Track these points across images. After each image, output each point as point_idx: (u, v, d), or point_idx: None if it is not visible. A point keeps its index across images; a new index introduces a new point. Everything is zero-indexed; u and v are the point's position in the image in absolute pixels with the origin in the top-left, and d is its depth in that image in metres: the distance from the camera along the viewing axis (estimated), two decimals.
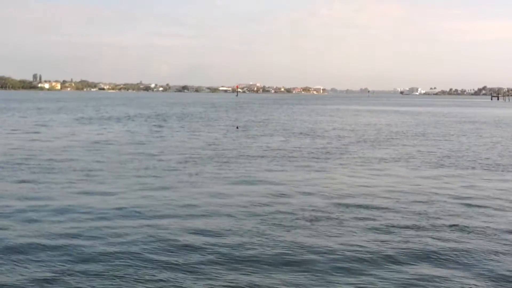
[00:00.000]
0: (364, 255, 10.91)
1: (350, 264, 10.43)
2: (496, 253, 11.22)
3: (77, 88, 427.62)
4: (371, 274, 9.95)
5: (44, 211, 14.25)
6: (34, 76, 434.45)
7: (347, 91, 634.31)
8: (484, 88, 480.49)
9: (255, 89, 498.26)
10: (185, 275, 9.77)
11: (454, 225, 13.36)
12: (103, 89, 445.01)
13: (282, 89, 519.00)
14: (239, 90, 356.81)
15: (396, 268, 10.31)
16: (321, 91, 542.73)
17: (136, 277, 9.65)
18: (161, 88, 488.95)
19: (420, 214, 14.52)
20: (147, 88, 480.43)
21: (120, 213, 14.08)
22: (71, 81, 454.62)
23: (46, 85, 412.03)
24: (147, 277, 9.64)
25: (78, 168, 21.53)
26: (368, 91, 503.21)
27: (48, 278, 9.52)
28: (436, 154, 28.51)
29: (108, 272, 9.81)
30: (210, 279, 9.64)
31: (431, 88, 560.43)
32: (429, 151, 29.95)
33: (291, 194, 16.95)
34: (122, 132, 40.43)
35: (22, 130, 41.23)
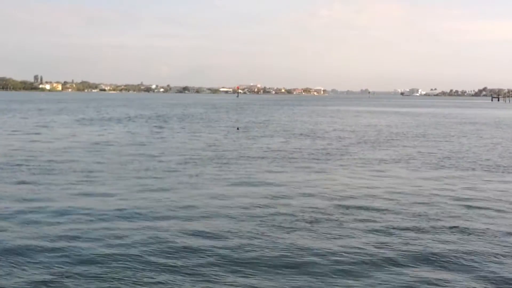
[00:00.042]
0: (364, 257, 10.86)
1: (350, 267, 10.39)
2: (497, 255, 11.17)
3: (78, 89, 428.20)
4: (371, 277, 9.91)
5: (43, 212, 14.22)
6: (35, 77, 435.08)
7: (347, 92, 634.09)
8: (484, 89, 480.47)
9: (256, 90, 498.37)
10: (184, 278, 9.74)
11: (454, 226, 13.32)
12: (104, 90, 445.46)
13: (283, 90, 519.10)
14: (239, 91, 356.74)
15: (396, 270, 10.27)
16: (322, 92, 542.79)
17: (134, 279, 9.61)
18: (162, 89, 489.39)
19: (420, 215, 14.48)
20: (148, 89, 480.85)
21: (120, 215, 14.05)
22: (72, 82, 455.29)
23: (47, 86, 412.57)
24: (145, 280, 9.60)
25: (78, 169, 21.51)
26: (369, 92, 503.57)
27: (46, 280, 9.48)
28: (436, 155, 28.46)
29: (106, 274, 9.78)
30: (209, 281, 9.60)
31: (431, 89, 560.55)
32: (430, 152, 29.91)
33: (291, 196, 16.91)
34: (123, 133, 40.42)
35: (23, 131, 41.23)
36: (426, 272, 10.17)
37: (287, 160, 25.65)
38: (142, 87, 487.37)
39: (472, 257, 11.00)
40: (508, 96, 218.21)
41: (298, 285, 9.52)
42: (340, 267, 10.33)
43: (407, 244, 11.80)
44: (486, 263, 10.71)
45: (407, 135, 42.40)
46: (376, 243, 11.83)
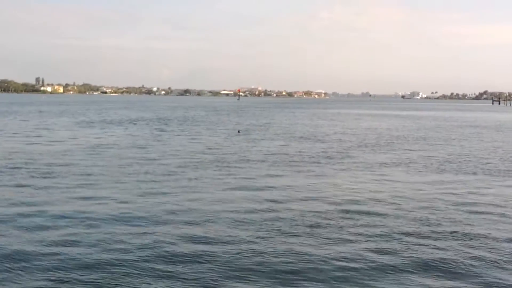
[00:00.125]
0: (365, 264, 10.76)
1: (351, 273, 10.28)
2: (498, 261, 11.07)
3: (80, 92, 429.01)
4: (371, 284, 9.81)
5: (41, 216, 14.12)
6: (37, 79, 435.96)
7: (348, 95, 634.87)
8: (485, 92, 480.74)
9: (257, 92, 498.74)
10: (183, 284, 9.64)
11: (455, 231, 13.23)
12: (106, 92, 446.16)
13: (284, 93, 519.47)
14: (240, 93, 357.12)
15: (397, 277, 10.16)
16: (323, 95, 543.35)
17: (133, 285, 9.52)
18: (163, 92, 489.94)
19: (421, 220, 14.39)
20: (149, 92, 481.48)
21: (118, 219, 13.96)
22: (74, 84, 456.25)
23: (49, 89, 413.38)
24: (144, 286, 9.50)
25: (78, 173, 21.44)
26: (370, 95, 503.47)
27: (43, 286, 9.39)
28: (437, 158, 28.37)
29: (103, 280, 9.69)
30: (208, 287, 9.52)
31: (432, 93, 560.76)
32: (430, 155, 29.81)
33: (292, 200, 16.82)
34: (123, 136, 40.36)
35: (23, 133, 41.18)
36: (427, 279, 10.07)
37: (288, 163, 25.57)
38: (143, 90, 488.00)
39: (474, 263, 10.90)
40: (509, 100, 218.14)
41: None
42: (341, 274, 10.23)
43: (408, 250, 11.71)
44: (488, 269, 10.61)
45: (408, 138, 42.31)
46: (376, 248, 11.74)
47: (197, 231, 12.97)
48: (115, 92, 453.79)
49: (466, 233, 13.14)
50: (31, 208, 15.04)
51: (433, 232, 13.19)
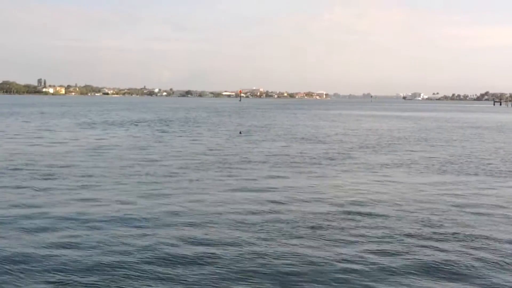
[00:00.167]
0: (366, 266, 10.72)
1: (352, 275, 10.23)
2: (501, 263, 11.02)
3: (82, 93, 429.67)
4: (372, 286, 9.77)
5: (41, 218, 14.08)
6: (39, 80, 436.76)
7: (349, 96, 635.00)
8: (486, 93, 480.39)
9: (258, 94, 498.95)
10: (184, 286, 9.61)
11: (457, 233, 13.17)
12: (107, 94, 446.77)
13: (285, 94, 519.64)
14: (242, 95, 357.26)
15: (398, 279, 10.11)
16: (324, 96, 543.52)
17: (132, 287, 9.49)
18: (164, 93, 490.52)
19: (423, 221, 14.34)
20: (150, 93, 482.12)
21: (119, 221, 13.93)
22: (76, 85, 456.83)
23: (51, 90, 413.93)
24: None
25: (79, 174, 21.43)
26: (371, 96, 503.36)
27: None
28: (438, 159, 28.31)
29: (104, 282, 9.65)
30: None
31: (433, 94, 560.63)
32: (432, 156, 29.76)
33: (293, 201, 16.79)
34: (125, 137, 40.36)
35: (25, 135, 41.20)
36: (429, 281, 10.02)
37: (289, 164, 25.54)
38: (145, 91, 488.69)
39: (476, 265, 10.85)
40: (510, 101, 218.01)
41: None
42: (342, 275, 10.19)
43: (410, 251, 11.66)
44: (491, 271, 10.55)
45: (409, 139, 42.25)
46: (378, 250, 11.70)
47: (198, 232, 12.94)
48: (117, 94, 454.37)
49: (468, 234, 13.10)
50: (32, 210, 15.02)
51: (435, 233, 13.15)
